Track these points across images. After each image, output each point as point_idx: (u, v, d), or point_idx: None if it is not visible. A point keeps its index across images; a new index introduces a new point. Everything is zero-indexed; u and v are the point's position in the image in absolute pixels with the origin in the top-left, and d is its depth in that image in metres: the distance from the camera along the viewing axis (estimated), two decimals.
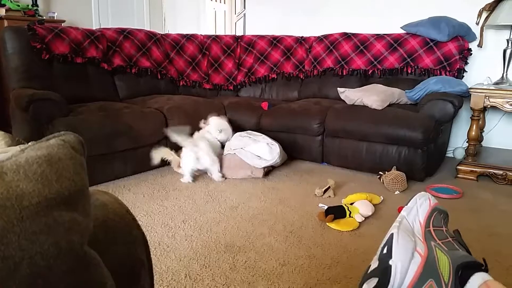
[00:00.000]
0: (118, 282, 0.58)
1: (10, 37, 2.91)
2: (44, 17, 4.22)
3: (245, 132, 3.06)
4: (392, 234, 0.75)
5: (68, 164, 0.50)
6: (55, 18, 4.35)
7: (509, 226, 2.17)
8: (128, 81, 3.51)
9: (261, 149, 2.87)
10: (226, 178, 2.87)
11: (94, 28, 3.53)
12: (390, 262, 0.71)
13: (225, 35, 4.23)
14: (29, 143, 0.52)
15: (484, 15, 3.26)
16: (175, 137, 2.82)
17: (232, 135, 3.04)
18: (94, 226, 0.56)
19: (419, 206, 0.83)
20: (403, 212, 0.82)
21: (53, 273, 0.43)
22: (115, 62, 3.42)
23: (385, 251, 0.74)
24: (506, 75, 3.09)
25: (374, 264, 0.76)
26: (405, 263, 0.71)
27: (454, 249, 0.77)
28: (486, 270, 0.73)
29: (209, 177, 2.90)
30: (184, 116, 3.12)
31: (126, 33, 3.55)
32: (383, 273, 0.71)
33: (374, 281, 0.73)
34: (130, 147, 2.80)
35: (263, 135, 2.99)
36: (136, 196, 2.52)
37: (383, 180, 2.71)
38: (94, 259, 0.51)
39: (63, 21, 4.33)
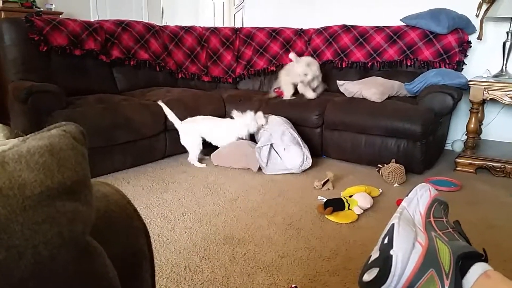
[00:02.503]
0: (120, 272, 0.58)
1: (8, 28, 2.89)
2: (42, 9, 4.18)
3: (288, 128, 2.92)
4: (393, 225, 0.75)
5: (70, 154, 0.50)
6: (52, 10, 4.32)
7: (507, 218, 2.18)
8: (126, 73, 3.50)
9: (295, 159, 2.80)
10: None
11: (92, 20, 3.50)
12: (391, 252, 0.72)
13: (224, 27, 4.20)
14: (29, 135, 0.52)
15: (484, 7, 3.25)
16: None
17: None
18: (96, 217, 0.56)
19: (420, 197, 0.83)
20: (403, 203, 0.82)
21: (56, 262, 0.43)
22: (113, 54, 3.40)
23: (386, 241, 0.74)
24: (506, 67, 3.09)
25: (375, 254, 0.76)
26: (406, 253, 0.71)
27: (455, 240, 0.77)
28: (486, 260, 0.74)
29: (209, 170, 2.90)
30: (183, 108, 3.11)
31: (124, 25, 3.53)
32: (384, 263, 0.72)
33: (375, 271, 0.73)
34: (129, 139, 2.79)
35: (301, 140, 2.91)
36: (135, 188, 2.52)
37: (382, 173, 2.72)
38: (97, 249, 0.51)
39: (61, 13, 4.30)
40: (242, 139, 3.03)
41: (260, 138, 2.95)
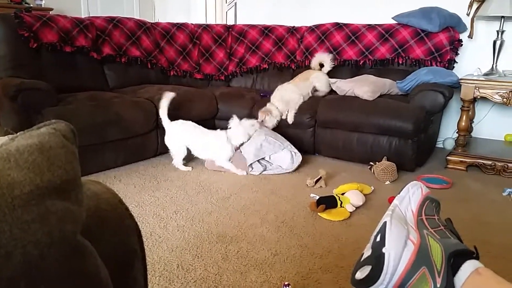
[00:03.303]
0: (112, 271, 0.58)
1: None
2: (32, 5, 4.14)
3: (264, 133, 2.90)
4: (385, 223, 0.75)
5: (60, 152, 0.50)
6: (42, 6, 4.28)
7: (498, 215, 2.20)
8: (117, 70, 3.47)
9: (284, 159, 2.81)
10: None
11: (83, 17, 3.47)
12: (383, 250, 0.72)
13: (216, 24, 4.19)
14: (18, 133, 0.51)
15: (475, 6, 3.28)
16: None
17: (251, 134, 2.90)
18: (87, 216, 0.55)
19: (412, 195, 0.84)
20: (395, 201, 0.83)
21: (46, 262, 0.43)
22: (104, 51, 3.37)
23: (378, 239, 0.74)
24: (496, 66, 3.12)
25: (367, 252, 0.77)
26: (398, 251, 0.72)
27: (446, 237, 0.77)
28: (477, 258, 0.74)
29: (201, 167, 2.89)
30: (176, 106, 3.09)
31: (115, 22, 3.50)
32: (377, 260, 0.72)
33: (367, 269, 0.73)
34: (121, 137, 2.77)
35: (285, 140, 2.91)
36: (127, 186, 2.51)
37: (373, 171, 2.73)
38: (87, 249, 0.51)
39: (51, 9, 4.26)
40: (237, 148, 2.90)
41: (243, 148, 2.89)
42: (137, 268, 0.73)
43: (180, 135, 2.87)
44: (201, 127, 2.94)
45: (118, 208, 0.72)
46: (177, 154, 2.87)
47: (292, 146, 2.87)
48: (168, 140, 2.91)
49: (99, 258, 0.53)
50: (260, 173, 2.77)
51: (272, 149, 2.81)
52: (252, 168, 2.79)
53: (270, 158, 2.81)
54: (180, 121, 2.91)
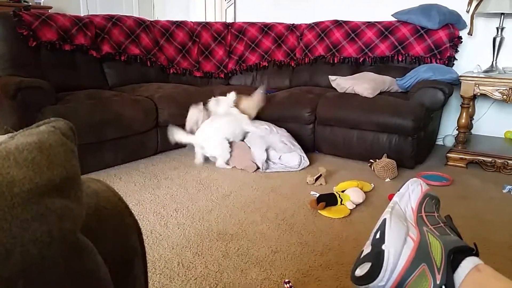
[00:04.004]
0: (112, 270, 0.58)
1: None
2: (30, 3, 4.13)
3: (278, 133, 2.98)
4: (384, 220, 0.75)
5: (59, 151, 0.50)
6: (41, 4, 4.27)
7: (498, 212, 2.20)
8: (117, 68, 3.46)
9: (292, 161, 2.82)
10: (231, 167, 2.86)
11: (82, 15, 3.46)
12: (383, 247, 0.72)
13: (216, 22, 4.18)
14: (18, 131, 0.51)
15: (475, 3, 3.27)
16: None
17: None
18: (87, 214, 0.55)
19: (411, 192, 0.84)
20: (395, 198, 0.83)
21: (46, 260, 0.43)
22: (103, 50, 3.36)
23: (378, 236, 0.75)
24: (496, 63, 3.12)
25: (367, 249, 0.77)
26: (398, 248, 0.72)
27: (446, 234, 0.77)
28: (477, 255, 0.75)
29: (201, 166, 2.89)
30: (175, 105, 3.09)
31: (114, 20, 3.49)
32: (376, 257, 0.72)
33: (367, 265, 0.73)
34: (120, 135, 2.77)
35: (295, 143, 2.96)
36: (127, 185, 2.51)
37: (373, 168, 2.73)
38: (87, 247, 0.51)
39: (50, 8, 4.25)
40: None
41: (251, 142, 2.91)
42: (138, 266, 0.73)
43: (217, 134, 2.88)
44: (211, 118, 3.00)
45: (118, 206, 0.72)
46: (224, 153, 2.87)
47: (301, 150, 2.89)
48: (210, 148, 2.87)
49: (99, 256, 0.53)
50: (264, 171, 2.77)
51: (283, 150, 2.83)
52: (266, 166, 2.81)
53: (280, 158, 2.82)
54: (200, 131, 2.91)
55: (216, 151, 2.86)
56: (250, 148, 2.85)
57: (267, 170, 2.79)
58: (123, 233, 0.71)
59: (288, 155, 2.82)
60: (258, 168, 2.79)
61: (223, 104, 3.04)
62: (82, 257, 0.49)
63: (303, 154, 2.86)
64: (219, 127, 2.88)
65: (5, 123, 2.73)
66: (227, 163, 2.86)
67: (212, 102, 3.07)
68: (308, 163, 2.86)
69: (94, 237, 0.54)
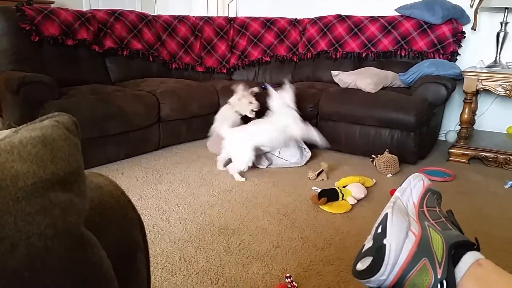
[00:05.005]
0: (114, 263, 0.58)
1: None
2: None
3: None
4: (386, 214, 0.76)
5: (63, 145, 0.50)
6: None
7: (499, 208, 2.20)
8: (119, 63, 3.47)
9: (293, 155, 2.81)
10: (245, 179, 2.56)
11: (84, 10, 3.46)
12: (385, 241, 0.72)
13: (218, 17, 4.17)
14: (21, 126, 0.52)
15: None
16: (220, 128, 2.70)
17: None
18: (90, 208, 0.55)
19: (413, 186, 0.84)
20: (397, 193, 0.83)
21: (50, 253, 0.43)
22: (106, 44, 3.36)
23: (379, 230, 0.75)
24: (499, 58, 3.10)
25: (368, 243, 0.77)
26: (399, 242, 0.72)
27: (447, 229, 0.78)
28: (478, 249, 0.75)
29: (203, 161, 2.89)
30: (177, 100, 3.09)
31: (117, 15, 3.49)
32: (378, 251, 0.72)
33: (368, 260, 0.74)
34: (123, 130, 2.78)
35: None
36: (129, 179, 2.52)
37: (375, 163, 2.73)
38: (91, 240, 0.51)
39: (52, 2, 4.24)
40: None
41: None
42: (140, 260, 0.73)
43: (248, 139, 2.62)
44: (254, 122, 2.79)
45: (121, 200, 0.73)
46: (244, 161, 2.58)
47: (302, 142, 2.87)
48: (233, 149, 2.62)
49: (102, 250, 0.54)
50: (266, 167, 2.77)
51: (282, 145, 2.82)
52: (269, 162, 2.79)
53: (279, 152, 2.81)
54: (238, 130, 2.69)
55: (235, 153, 2.59)
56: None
57: (271, 166, 2.79)
58: (126, 227, 0.71)
59: (289, 148, 2.81)
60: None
61: (278, 99, 2.75)
62: (85, 250, 0.49)
63: (304, 146, 2.85)
64: (254, 132, 2.62)
65: (8, 118, 2.73)
66: (242, 175, 2.57)
67: (235, 100, 2.96)
68: (310, 154, 2.85)
69: (97, 230, 0.55)
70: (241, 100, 2.95)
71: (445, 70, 2.94)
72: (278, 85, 3.59)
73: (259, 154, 2.77)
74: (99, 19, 3.35)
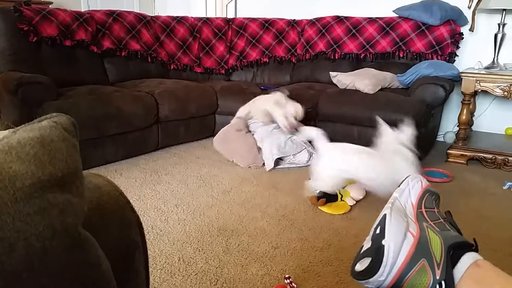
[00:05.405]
0: (113, 264, 0.58)
1: None
2: None
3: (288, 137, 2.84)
4: (385, 215, 0.76)
5: (61, 145, 0.50)
6: (42, 0, 4.26)
7: (497, 209, 2.21)
8: (117, 64, 3.46)
9: (302, 159, 2.82)
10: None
11: (82, 10, 3.46)
12: (383, 242, 0.72)
13: (216, 18, 4.17)
14: (20, 127, 0.52)
15: None
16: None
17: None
18: (88, 208, 0.55)
19: (411, 187, 0.84)
20: (395, 194, 0.83)
21: (48, 254, 0.43)
22: (104, 45, 3.36)
23: (378, 231, 0.75)
24: (497, 59, 3.11)
25: (367, 244, 0.77)
26: (398, 243, 0.72)
27: (446, 230, 0.78)
28: (476, 250, 0.75)
29: (202, 161, 2.89)
30: (175, 101, 3.09)
31: (115, 15, 3.49)
32: (376, 252, 0.72)
33: (367, 260, 0.74)
34: (121, 131, 2.77)
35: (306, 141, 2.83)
36: (128, 180, 2.51)
37: None
38: (89, 241, 0.51)
39: (51, 3, 4.24)
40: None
41: (259, 135, 2.90)
42: (139, 261, 0.73)
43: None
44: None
45: (120, 201, 0.73)
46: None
47: (311, 146, 2.86)
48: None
49: (100, 250, 0.54)
50: (272, 169, 2.76)
51: (295, 149, 2.82)
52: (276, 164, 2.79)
53: (294, 156, 2.82)
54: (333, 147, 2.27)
55: (323, 172, 2.15)
56: (256, 143, 2.84)
57: (278, 167, 2.79)
58: (124, 227, 0.71)
59: (298, 154, 2.82)
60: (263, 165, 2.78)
61: (393, 137, 2.21)
62: (84, 250, 0.49)
63: (312, 151, 2.84)
64: (357, 163, 2.08)
65: (6, 119, 2.73)
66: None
67: (281, 102, 2.85)
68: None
69: (95, 231, 0.55)
70: (287, 111, 2.80)
71: (443, 71, 2.94)
72: (276, 86, 3.60)
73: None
74: (97, 20, 3.35)
